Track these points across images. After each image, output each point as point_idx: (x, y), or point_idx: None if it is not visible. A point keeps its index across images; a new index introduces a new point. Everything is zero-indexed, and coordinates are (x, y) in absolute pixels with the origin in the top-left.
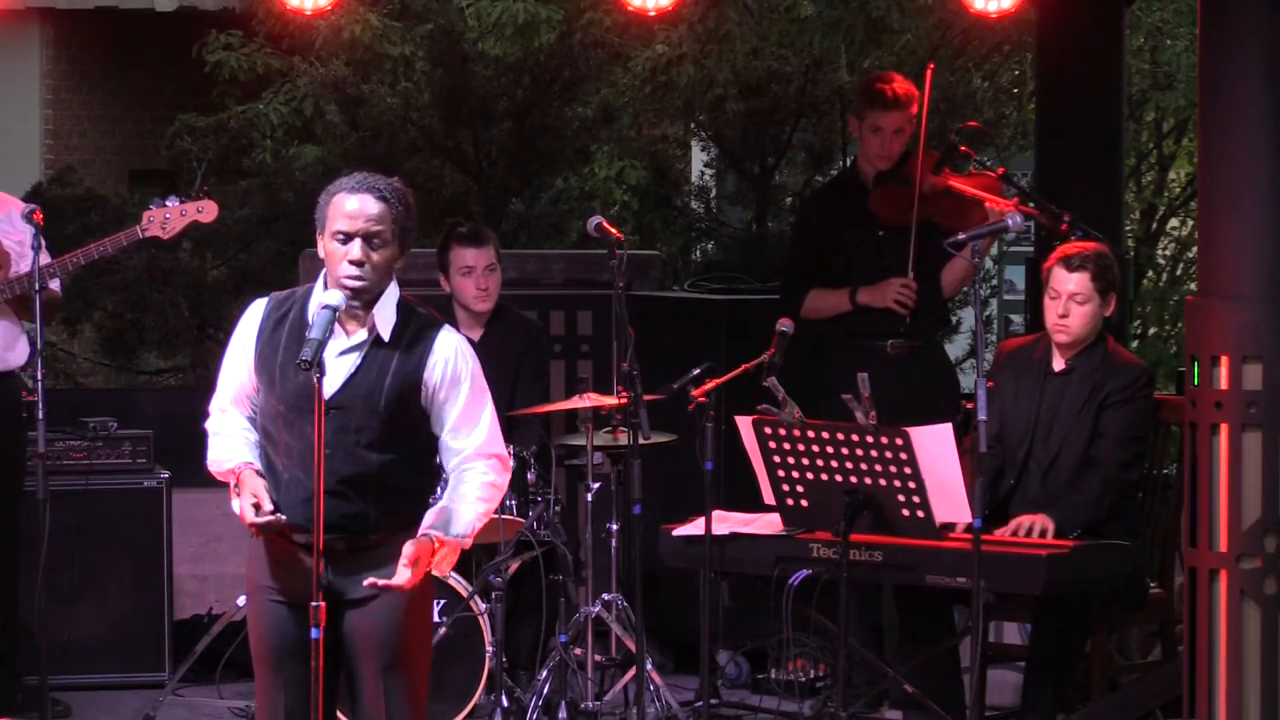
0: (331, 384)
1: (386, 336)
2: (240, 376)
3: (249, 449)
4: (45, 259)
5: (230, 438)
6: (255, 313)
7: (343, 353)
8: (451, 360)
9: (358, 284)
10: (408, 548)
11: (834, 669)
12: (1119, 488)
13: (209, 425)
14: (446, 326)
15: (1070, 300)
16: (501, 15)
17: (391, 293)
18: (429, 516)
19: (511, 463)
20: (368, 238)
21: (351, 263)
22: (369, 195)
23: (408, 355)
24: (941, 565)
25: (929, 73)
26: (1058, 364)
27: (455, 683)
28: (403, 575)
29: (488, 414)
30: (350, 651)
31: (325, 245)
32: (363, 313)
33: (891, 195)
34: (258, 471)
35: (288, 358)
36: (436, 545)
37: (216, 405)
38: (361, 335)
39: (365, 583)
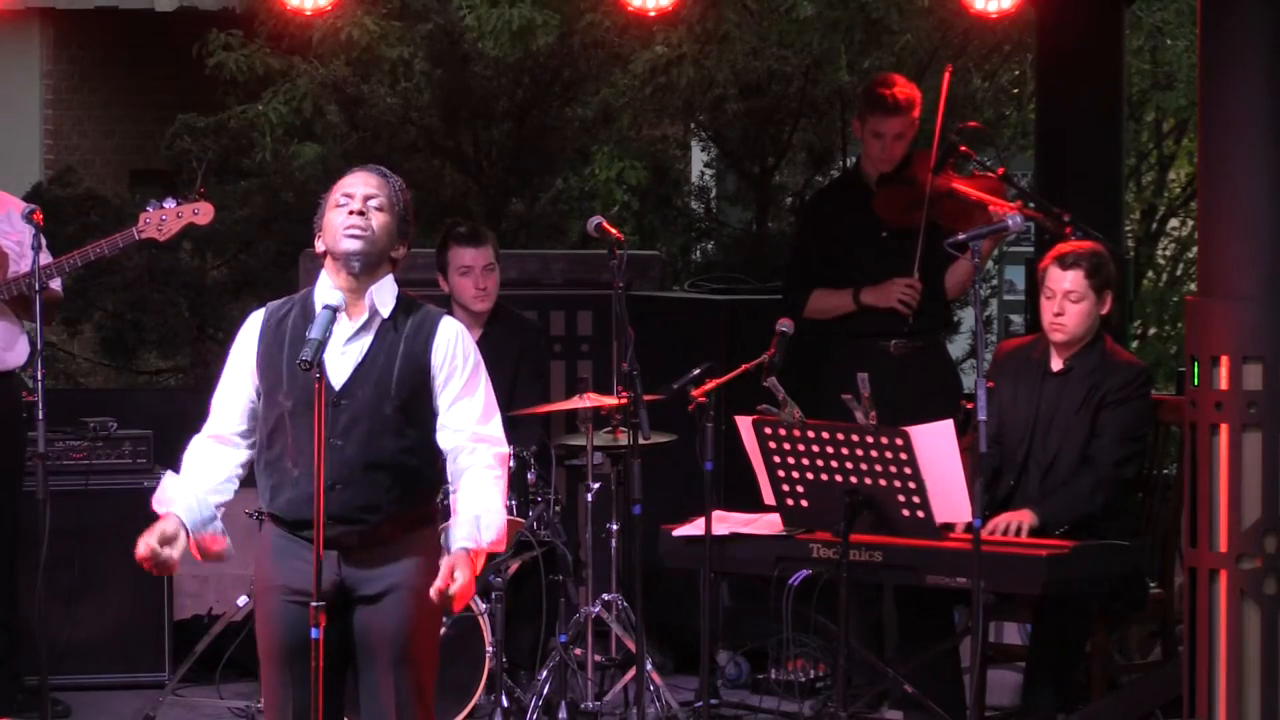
0: (340, 374)
1: (387, 314)
2: (242, 390)
3: (196, 507)
4: (45, 259)
5: (192, 480)
6: (254, 323)
7: (349, 340)
8: (453, 343)
9: (358, 233)
10: (446, 561)
11: (834, 669)
12: (1112, 485)
13: (190, 449)
14: (447, 314)
15: (1065, 298)
16: (497, 22)
17: (390, 281)
18: (458, 528)
19: (511, 455)
20: (367, 199)
21: (352, 213)
22: (370, 172)
23: (414, 339)
24: (941, 565)
25: (947, 74)
26: (1056, 364)
27: (455, 683)
28: (452, 581)
29: (483, 393)
30: (360, 647)
31: (326, 222)
32: (358, 296)
33: (895, 197)
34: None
35: (293, 353)
36: (473, 555)
37: (208, 429)
38: (363, 317)
39: (432, 592)
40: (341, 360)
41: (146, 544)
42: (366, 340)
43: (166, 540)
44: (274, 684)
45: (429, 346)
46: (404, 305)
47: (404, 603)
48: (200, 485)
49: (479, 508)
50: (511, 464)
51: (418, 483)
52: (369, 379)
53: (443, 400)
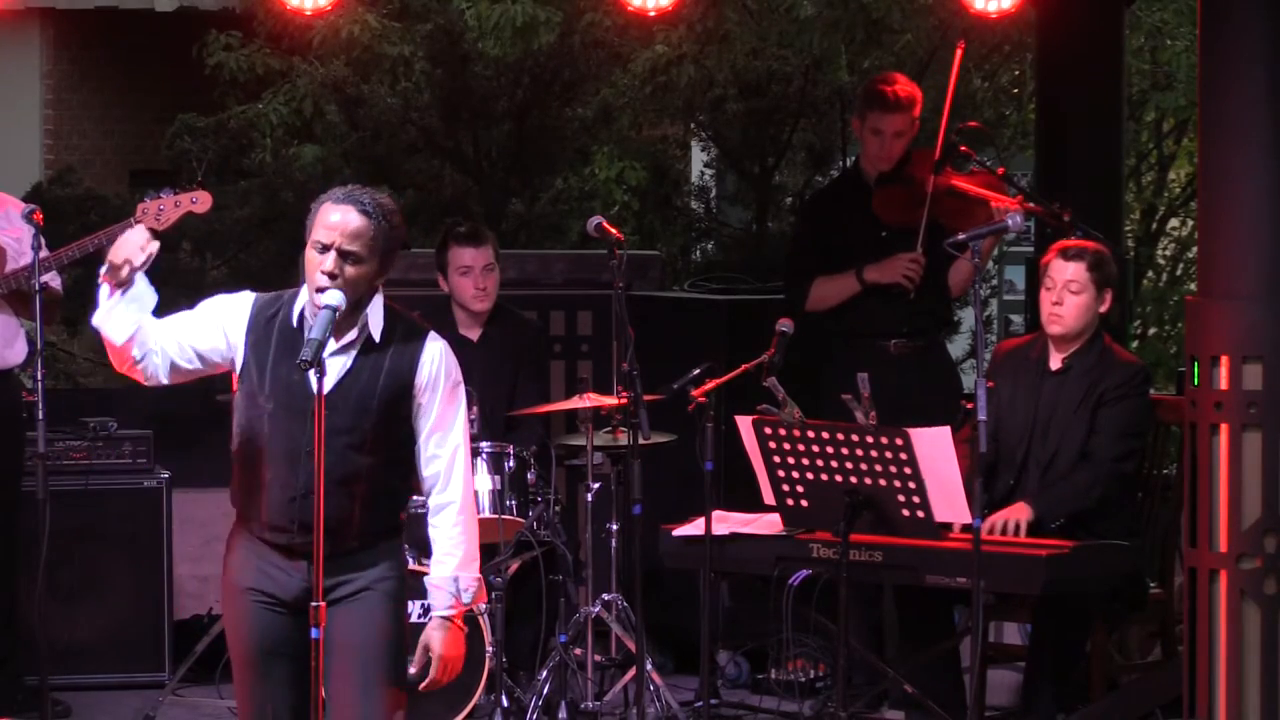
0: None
1: (378, 337)
2: (200, 326)
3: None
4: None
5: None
6: (245, 301)
7: (334, 354)
8: (437, 362)
9: (333, 302)
10: (427, 641)
11: (834, 669)
12: (1110, 481)
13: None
14: (432, 332)
15: (1065, 289)
16: (500, 18)
17: (379, 300)
18: (435, 593)
19: (511, 455)
20: (343, 253)
21: (324, 273)
22: (352, 208)
23: (399, 357)
24: (941, 565)
25: (959, 50)
26: (1054, 362)
27: (455, 683)
28: (437, 668)
29: (462, 417)
30: (332, 647)
31: (307, 255)
32: (352, 315)
33: (894, 196)
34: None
35: (279, 354)
36: (454, 620)
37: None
38: (352, 335)
39: (421, 687)
40: (326, 370)
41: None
42: (352, 354)
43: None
44: (248, 688)
45: (415, 365)
46: (391, 322)
47: (375, 602)
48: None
49: (456, 566)
50: (511, 464)
51: (389, 496)
52: (351, 393)
53: (423, 422)
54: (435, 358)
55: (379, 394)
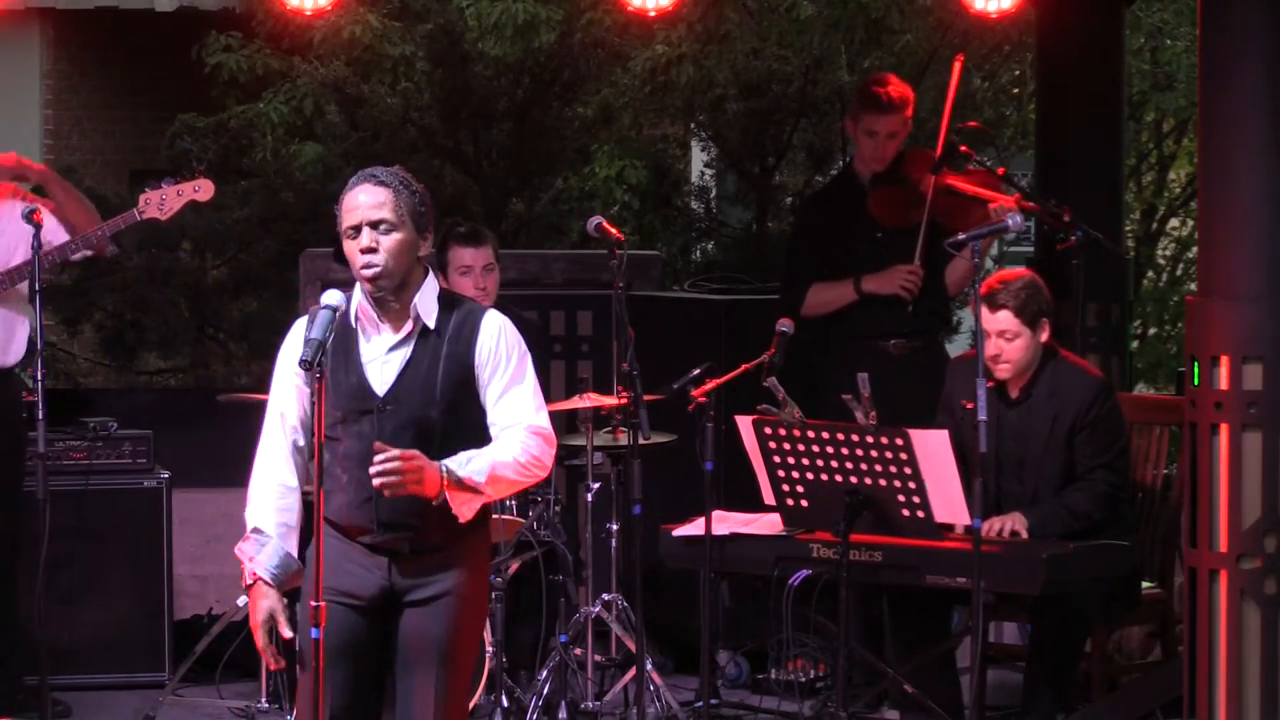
0: (384, 381)
1: (432, 325)
2: (290, 397)
3: (274, 524)
4: (62, 238)
5: (264, 502)
6: (297, 332)
7: (391, 349)
8: (496, 338)
9: (373, 270)
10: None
11: (834, 669)
12: (1108, 503)
13: (255, 468)
14: (491, 310)
15: (1000, 338)
16: (501, 16)
17: (430, 284)
18: (449, 460)
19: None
20: (373, 225)
21: (363, 251)
22: (367, 184)
23: (456, 341)
24: (941, 565)
25: (958, 64)
26: (1012, 391)
27: None
28: (399, 458)
29: (530, 385)
30: (402, 649)
31: (344, 245)
32: (399, 305)
33: (889, 197)
34: (269, 581)
35: (336, 363)
36: (445, 474)
37: (264, 441)
38: (407, 327)
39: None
40: (385, 368)
41: (267, 647)
42: (410, 346)
43: (272, 624)
44: (311, 686)
45: (472, 346)
46: (446, 306)
47: (452, 608)
48: (276, 519)
49: (478, 451)
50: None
51: None
52: (414, 384)
53: (489, 396)
54: (493, 333)
55: (440, 381)
